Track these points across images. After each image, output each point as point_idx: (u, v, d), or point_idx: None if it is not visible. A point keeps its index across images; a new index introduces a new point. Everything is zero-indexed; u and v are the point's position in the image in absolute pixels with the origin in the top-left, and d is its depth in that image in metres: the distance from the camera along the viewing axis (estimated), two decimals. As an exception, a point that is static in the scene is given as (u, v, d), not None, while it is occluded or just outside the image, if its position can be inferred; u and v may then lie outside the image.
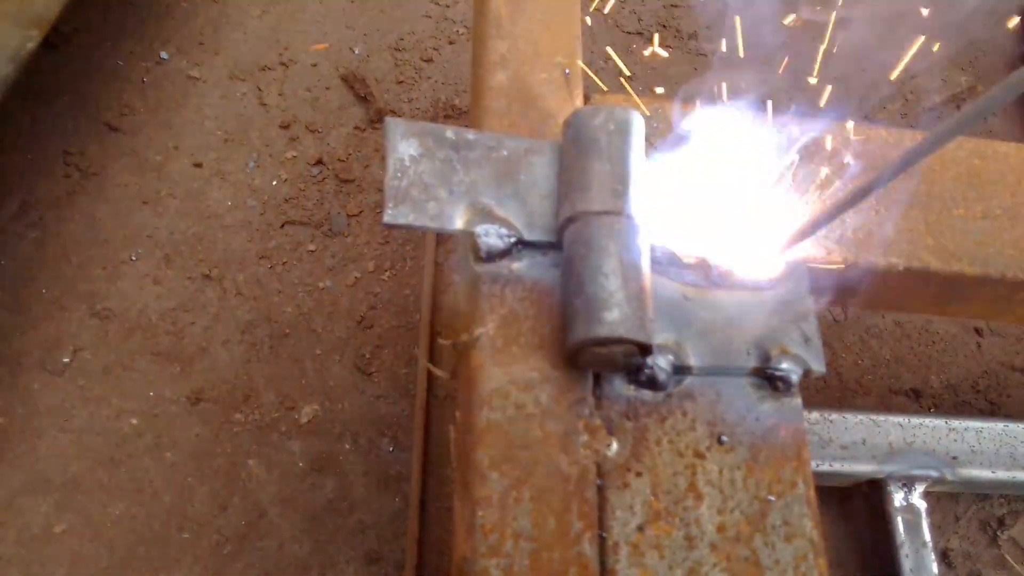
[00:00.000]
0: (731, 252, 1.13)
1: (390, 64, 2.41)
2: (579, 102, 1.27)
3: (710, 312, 1.08)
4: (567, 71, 1.29)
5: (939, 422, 1.87)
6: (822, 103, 1.41)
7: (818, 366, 1.08)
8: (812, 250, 1.20)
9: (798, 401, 1.08)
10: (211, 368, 1.93)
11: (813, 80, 1.71)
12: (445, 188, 1.07)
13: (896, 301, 1.35)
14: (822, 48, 1.71)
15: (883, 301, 1.34)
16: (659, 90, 2.54)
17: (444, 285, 2.01)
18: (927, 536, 1.80)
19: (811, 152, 1.29)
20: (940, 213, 1.28)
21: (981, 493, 2.04)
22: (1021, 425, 1.90)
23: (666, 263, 1.12)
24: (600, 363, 1.00)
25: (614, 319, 0.94)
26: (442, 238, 2.08)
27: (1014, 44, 2.88)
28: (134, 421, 1.85)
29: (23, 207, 2.03)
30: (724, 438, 1.03)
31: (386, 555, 1.80)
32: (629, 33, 2.63)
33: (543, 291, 1.06)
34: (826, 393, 2.13)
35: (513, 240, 1.06)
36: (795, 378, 1.06)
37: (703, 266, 1.13)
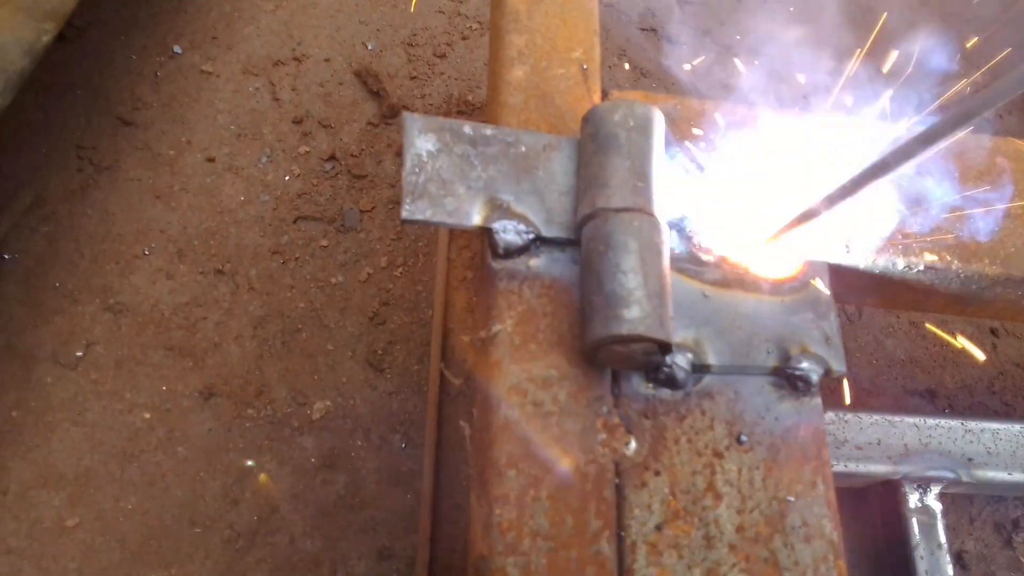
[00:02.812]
0: (752, 250, 1.12)
1: (403, 59, 2.40)
2: (597, 98, 1.26)
3: (730, 310, 1.07)
4: (585, 66, 1.28)
5: (954, 423, 1.85)
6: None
7: (838, 366, 1.07)
8: (832, 248, 1.18)
9: (818, 401, 1.07)
10: (223, 363, 1.93)
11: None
12: (463, 184, 1.07)
13: (916, 301, 1.34)
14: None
15: (903, 301, 1.33)
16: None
17: (457, 282, 2.00)
18: (942, 537, 1.79)
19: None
20: (961, 211, 1.27)
21: (996, 495, 2.03)
22: (1037, 427, 1.88)
23: (686, 260, 1.11)
24: (619, 361, 1.00)
25: (634, 317, 0.93)
26: (455, 234, 2.07)
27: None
28: (146, 415, 1.85)
29: (36, 201, 2.03)
30: (743, 438, 1.03)
31: (397, 551, 1.80)
32: (644, 30, 2.62)
33: (561, 288, 1.05)
34: (840, 393, 2.11)
35: (531, 236, 1.05)
36: (815, 378, 1.05)
37: (724, 264, 1.11)
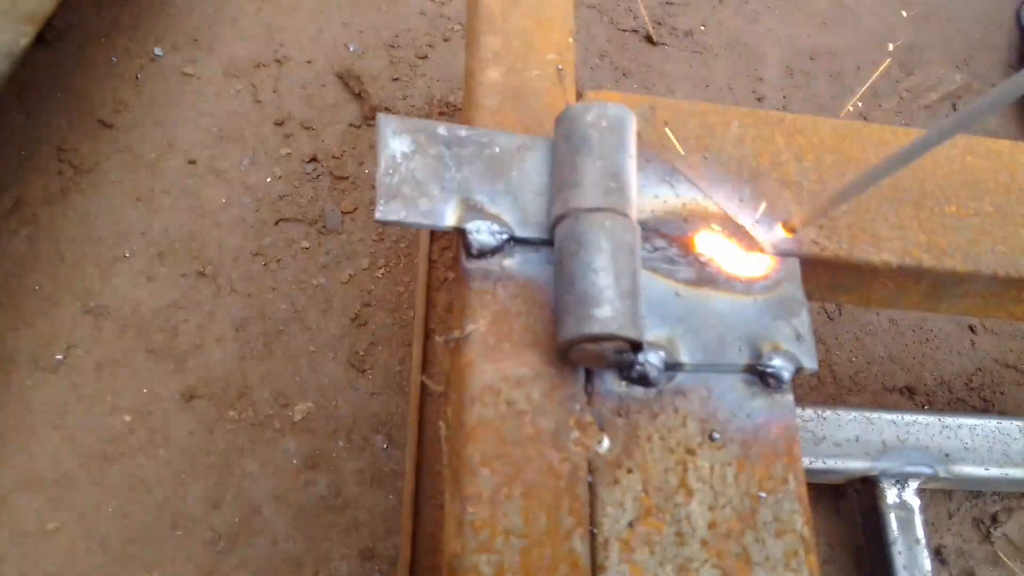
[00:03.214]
0: (725, 248, 1.14)
1: (385, 61, 2.41)
2: (572, 99, 1.27)
3: (702, 308, 1.09)
4: (560, 67, 1.28)
5: (932, 419, 1.87)
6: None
7: (810, 363, 1.08)
8: (805, 246, 1.20)
9: (790, 398, 1.08)
10: (205, 365, 1.93)
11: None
12: (437, 184, 1.07)
13: (888, 298, 1.35)
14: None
15: (876, 298, 1.35)
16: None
17: (438, 282, 2.01)
18: (920, 533, 1.80)
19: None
20: (932, 210, 1.29)
21: (974, 490, 2.05)
22: (1014, 422, 1.90)
23: (659, 259, 1.12)
24: (591, 360, 1.01)
25: (605, 316, 0.94)
26: (436, 235, 2.08)
27: (1009, 41, 2.88)
28: (127, 418, 1.85)
29: (16, 204, 2.02)
30: (715, 435, 1.04)
31: (380, 552, 1.81)
32: (624, 31, 2.63)
33: (535, 288, 1.06)
34: (820, 390, 2.13)
35: (505, 237, 1.06)
36: (787, 375, 1.07)
37: (696, 262, 1.13)
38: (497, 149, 1.12)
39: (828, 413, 1.83)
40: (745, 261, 1.14)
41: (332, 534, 1.81)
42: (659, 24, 2.66)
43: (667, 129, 1.23)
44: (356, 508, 1.84)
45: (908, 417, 1.86)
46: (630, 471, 0.99)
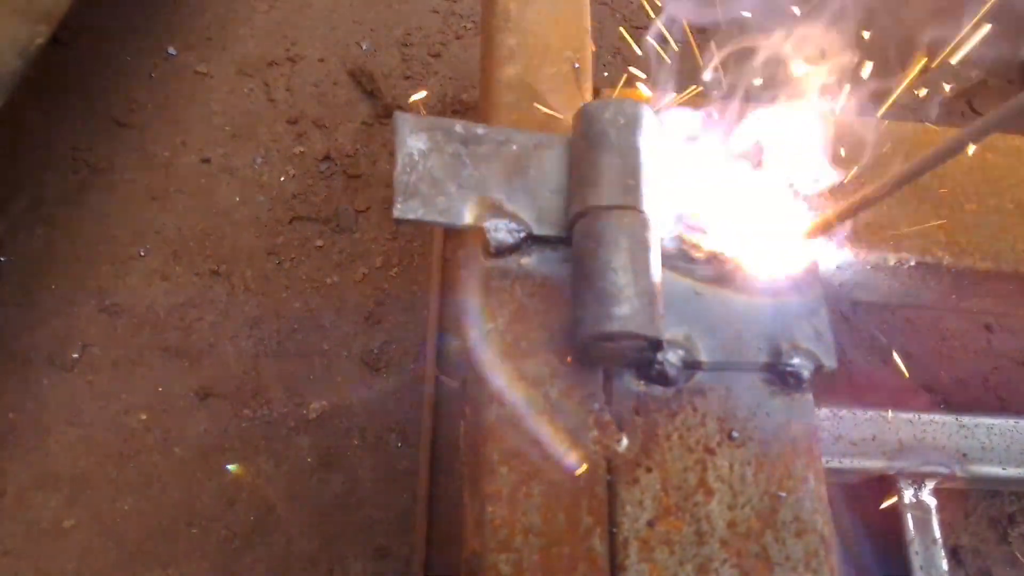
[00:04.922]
0: (745, 247, 1.13)
1: (397, 59, 2.41)
2: (589, 96, 1.27)
3: (721, 307, 1.08)
4: (576, 65, 1.28)
5: (949, 418, 1.85)
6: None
7: (829, 362, 1.07)
8: (824, 244, 1.19)
9: (809, 397, 1.07)
10: (219, 364, 1.93)
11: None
12: (454, 183, 1.07)
13: (906, 296, 1.34)
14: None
15: (894, 296, 1.33)
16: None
17: (452, 281, 2.01)
18: (937, 533, 1.79)
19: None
20: (952, 207, 1.27)
21: (991, 490, 2.03)
22: (1032, 421, 1.88)
23: (677, 257, 1.11)
24: (610, 358, 1.00)
25: (624, 314, 0.94)
26: (450, 234, 2.08)
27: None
28: (143, 416, 1.85)
29: (32, 203, 2.03)
30: (735, 434, 1.03)
31: (394, 550, 1.80)
32: (637, 28, 2.62)
33: (553, 286, 1.06)
34: (836, 389, 2.11)
35: (523, 235, 1.06)
36: (806, 374, 1.06)
37: (715, 261, 1.12)
38: (514, 147, 1.11)
39: (844, 412, 1.81)
40: (765, 260, 1.13)
41: (346, 532, 1.81)
42: (673, 22, 2.64)
43: None
44: (370, 506, 1.84)
45: (925, 416, 1.84)
46: (649, 470, 0.99)
